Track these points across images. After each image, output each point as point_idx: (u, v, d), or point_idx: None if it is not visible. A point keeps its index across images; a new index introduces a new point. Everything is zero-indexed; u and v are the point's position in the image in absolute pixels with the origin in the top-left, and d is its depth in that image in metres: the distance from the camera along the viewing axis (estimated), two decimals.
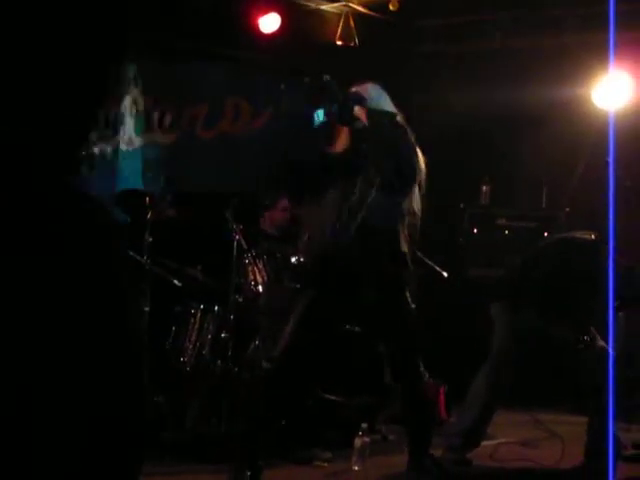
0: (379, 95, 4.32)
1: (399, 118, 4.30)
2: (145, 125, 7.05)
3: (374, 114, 4.18)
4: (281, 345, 4.50)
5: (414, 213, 4.36)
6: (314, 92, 4.27)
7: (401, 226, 4.28)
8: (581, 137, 5.25)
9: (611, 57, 5.58)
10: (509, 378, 4.97)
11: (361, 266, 4.22)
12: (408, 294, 4.30)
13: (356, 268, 4.23)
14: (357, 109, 4.17)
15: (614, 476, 4.22)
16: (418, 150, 4.28)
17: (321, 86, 4.17)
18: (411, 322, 4.32)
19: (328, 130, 4.24)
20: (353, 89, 4.33)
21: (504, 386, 4.99)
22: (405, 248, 4.27)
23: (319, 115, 4.18)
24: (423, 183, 4.35)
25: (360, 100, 4.16)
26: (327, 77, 4.18)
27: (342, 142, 4.27)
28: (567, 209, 5.10)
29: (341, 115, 4.15)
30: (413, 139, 4.27)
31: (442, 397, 6.05)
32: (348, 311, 4.37)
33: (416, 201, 4.36)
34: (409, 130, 4.28)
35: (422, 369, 4.42)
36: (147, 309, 5.29)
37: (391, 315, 4.26)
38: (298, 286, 5.56)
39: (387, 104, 4.33)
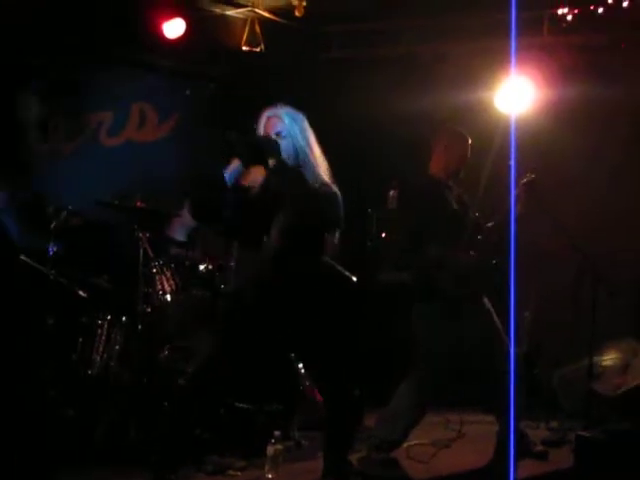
0: (292, 123, 4.22)
1: (315, 149, 4.26)
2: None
3: (285, 172, 4.14)
4: (196, 362, 4.46)
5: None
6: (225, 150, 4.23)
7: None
8: (485, 141, 5.34)
9: (513, 62, 5.69)
10: (439, 378, 5.03)
11: (281, 279, 4.19)
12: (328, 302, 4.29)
13: (277, 281, 4.20)
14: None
15: (516, 473, 4.30)
16: (335, 192, 4.22)
17: (228, 142, 4.12)
18: (328, 336, 4.29)
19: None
20: (264, 116, 4.25)
21: (434, 386, 5.03)
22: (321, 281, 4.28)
23: (232, 173, 4.17)
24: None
25: (273, 149, 4.11)
26: (232, 133, 4.13)
27: (255, 175, 4.21)
28: (475, 211, 5.20)
29: (255, 161, 4.13)
30: (334, 192, 4.22)
31: None
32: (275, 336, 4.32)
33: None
34: (324, 181, 4.22)
35: (346, 374, 4.41)
36: (52, 321, 5.18)
37: (310, 338, 4.23)
38: (207, 294, 5.53)
39: (301, 130, 4.23)
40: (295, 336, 4.24)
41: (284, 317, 4.16)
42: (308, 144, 4.20)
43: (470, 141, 5.21)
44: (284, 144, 4.14)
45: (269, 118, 4.23)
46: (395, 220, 7.20)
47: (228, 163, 4.17)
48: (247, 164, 4.12)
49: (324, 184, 4.19)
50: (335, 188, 4.23)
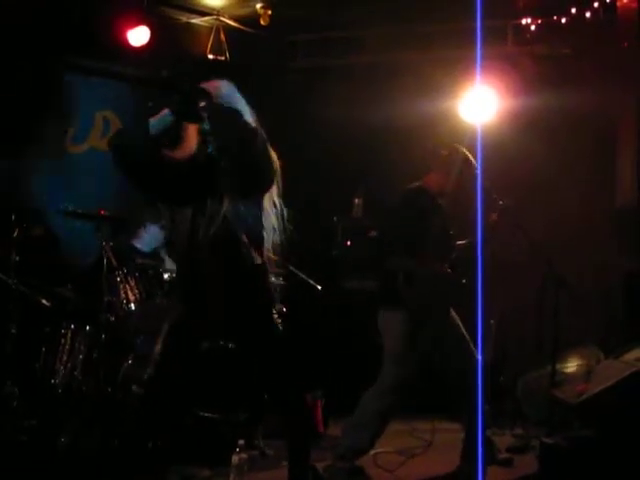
0: (231, 93, 4.04)
1: (250, 118, 3.98)
2: None
3: (221, 111, 3.85)
4: (150, 367, 4.36)
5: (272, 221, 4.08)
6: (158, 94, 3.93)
7: (252, 235, 3.99)
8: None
9: (477, 71, 5.73)
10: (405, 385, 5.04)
11: (217, 281, 3.95)
12: (273, 310, 4.08)
13: (213, 284, 3.96)
14: (203, 105, 3.78)
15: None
16: (272, 152, 3.96)
17: (162, 83, 3.85)
18: (276, 337, 4.18)
19: (173, 131, 3.86)
20: (202, 86, 3.97)
21: (400, 394, 5.04)
22: (259, 260, 3.98)
23: (163, 118, 3.80)
24: (279, 185, 4.06)
25: (207, 96, 3.80)
26: (164, 72, 3.87)
27: (190, 144, 3.93)
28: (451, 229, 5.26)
29: (186, 112, 3.78)
30: (265, 138, 3.93)
31: (319, 410, 6.05)
32: (217, 327, 4.17)
33: (271, 204, 4.09)
34: (261, 130, 3.95)
35: (298, 381, 4.37)
36: (14, 331, 5.13)
37: (254, 331, 4.10)
38: (170, 302, 5.49)
39: (240, 104, 4.02)
40: (235, 324, 4.12)
41: (221, 302, 4.03)
42: (243, 108, 4.07)
43: (473, 163, 5.09)
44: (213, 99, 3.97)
45: (206, 86, 4.10)
46: (360, 228, 7.22)
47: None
48: (179, 113, 3.78)
49: (257, 128, 3.97)
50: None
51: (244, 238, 3.95)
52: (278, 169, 4.01)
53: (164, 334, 4.15)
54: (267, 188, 4.03)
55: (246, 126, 3.88)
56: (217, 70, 7.23)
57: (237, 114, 3.89)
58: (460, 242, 5.14)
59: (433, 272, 4.98)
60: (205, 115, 3.78)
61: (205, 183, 3.89)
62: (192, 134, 3.92)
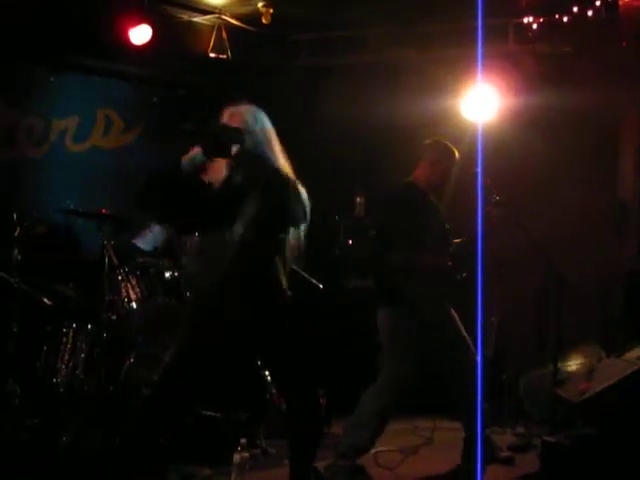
0: (254, 120, 4.12)
1: (280, 161, 4.11)
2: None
3: (252, 160, 4.01)
4: (161, 370, 4.39)
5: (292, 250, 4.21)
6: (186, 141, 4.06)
7: (279, 262, 4.13)
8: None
9: (479, 70, 5.72)
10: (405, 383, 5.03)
11: (242, 309, 4.07)
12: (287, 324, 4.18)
13: (236, 310, 4.08)
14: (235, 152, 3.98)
15: (483, 478, 4.31)
16: (300, 188, 4.10)
17: (184, 132, 3.99)
18: (290, 342, 4.24)
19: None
20: (227, 113, 4.14)
21: (400, 391, 5.04)
22: (284, 284, 4.13)
23: (190, 162, 3.95)
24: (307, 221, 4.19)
25: (237, 138, 3.96)
26: (187, 124, 4.00)
27: (219, 170, 4.06)
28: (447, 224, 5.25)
29: (217, 152, 3.94)
30: (295, 182, 4.09)
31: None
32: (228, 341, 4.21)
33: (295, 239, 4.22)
34: (292, 177, 4.10)
35: (309, 381, 4.38)
36: (16, 329, 5.13)
37: (272, 342, 4.15)
38: (173, 301, 5.49)
39: (264, 128, 4.13)
40: (256, 341, 4.19)
41: (244, 321, 4.12)
42: (268, 140, 4.15)
43: (458, 157, 5.21)
44: (246, 139, 4.07)
45: (231, 115, 4.18)
46: (362, 227, 7.22)
47: (186, 152, 4.00)
48: (209, 153, 3.93)
49: (288, 175, 4.12)
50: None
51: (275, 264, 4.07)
52: (307, 211, 4.12)
53: (179, 336, 4.20)
54: (299, 225, 4.16)
55: (277, 176, 3.99)
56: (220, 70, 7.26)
57: (267, 162, 4.00)
58: (456, 240, 5.15)
59: (434, 264, 4.99)
60: (235, 153, 3.93)
61: (232, 210, 3.98)
62: (220, 164, 4.03)
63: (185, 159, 3.96)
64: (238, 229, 3.99)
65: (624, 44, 6.96)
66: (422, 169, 5.21)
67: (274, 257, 4.11)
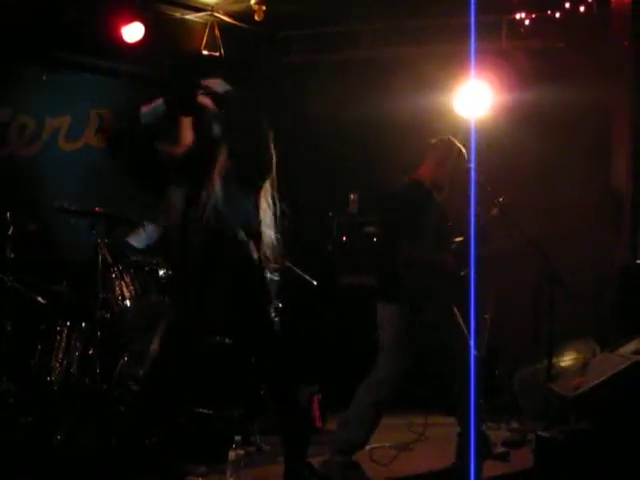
0: (224, 86, 4.01)
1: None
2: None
3: (228, 95, 3.86)
4: (146, 364, 4.35)
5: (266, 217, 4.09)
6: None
7: (248, 230, 4.00)
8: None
9: (472, 66, 5.73)
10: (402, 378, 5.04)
11: (212, 273, 3.96)
12: (269, 305, 4.11)
13: (207, 275, 3.97)
14: (202, 97, 3.83)
15: (477, 474, 4.32)
16: (272, 144, 4.00)
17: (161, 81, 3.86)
18: (272, 333, 4.18)
19: (171, 127, 3.85)
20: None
21: (396, 387, 5.04)
22: (254, 254, 4.00)
23: (156, 107, 3.78)
24: (275, 178, 4.06)
25: (206, 89, 3.83)
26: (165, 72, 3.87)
27: (186, 140, 3.92)
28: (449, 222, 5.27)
29: (180, 102, 3.78)
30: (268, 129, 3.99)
31: (316, 405, 6.06)
32: (213, 323, 4.16)
33: (268, 202, 4.11)
34: (266, 121, 4.00)
35: (294, 378, 4.37)
36: (9, 328, 5.12)
37: (251, 326, 4.08)
38: (166, 299, 5.48)
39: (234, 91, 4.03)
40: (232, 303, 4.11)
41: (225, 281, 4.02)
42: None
43: (465, 154, 5.15)
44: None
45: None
46: (356, 223, 7.23)
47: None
48: (171, 104, 3.78)
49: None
50: None
51: (240, 232, 3.95)
52: (274, 163, 4.02)
53: (161, 331, 4.15)
54: (265, 178, 4.04)
55: (255, 114, 3.90)
56: (213, 68, 7.24)
57: (249, 102, 3.91)
58: (458, 238, 5.14)
59: (437, 262, 4.99)
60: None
61: (201, 170, 3.87)
62: (187, 129, 3.91)
63: (146, 108, 3.83)
64: (216, 182, 3.89)
65: (619, 39, 6.98)
66: (427, 167, 5.15)
67: (256, 208, 4.01)
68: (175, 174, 3.94)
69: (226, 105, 3.85)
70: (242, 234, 3.96)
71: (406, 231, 4.95)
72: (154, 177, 3.88)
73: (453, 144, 5.17)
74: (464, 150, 5.14)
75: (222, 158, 3.86)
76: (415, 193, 5.08)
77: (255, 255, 4.01)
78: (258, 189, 4.05)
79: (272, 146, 3.98)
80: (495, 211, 5.12)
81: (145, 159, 3.88)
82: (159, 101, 3.81)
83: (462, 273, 5.04)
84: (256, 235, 4.03)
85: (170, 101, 3.79)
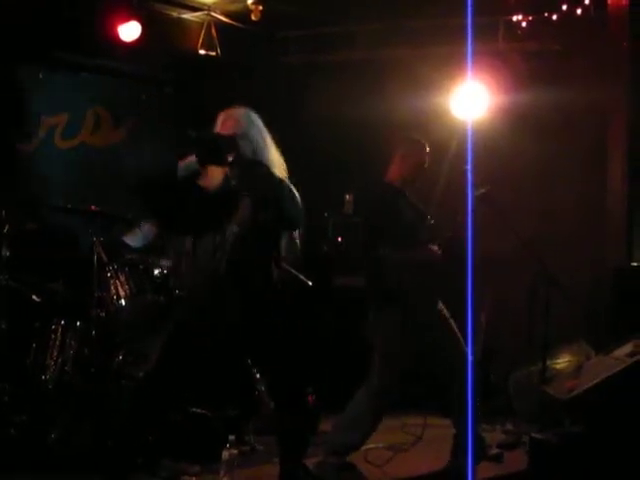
0: (249, 123, 4.20)
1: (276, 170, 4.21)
2: None
3: (248, 167, 4.12)
4: (147, 367, 4.42)
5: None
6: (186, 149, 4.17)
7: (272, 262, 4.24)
8: (442, 146, 5.38)
9: (469, 68, 5.73)
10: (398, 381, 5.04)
11: (231, 295, 4.15)
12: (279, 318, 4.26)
13: (224, 297, 4.16)
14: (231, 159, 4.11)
15: (474, 476, 4.32)
16: (294, 191, 4.18)
17: (190, 139, 4.11)
18: (281, 340, 4.26)
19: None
20: (221, 117, 4.22)
21: (393, 391, 5.04)
22: (275, 275, 4.22)
23: (185, 168, 4.15)
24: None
25: (231, 147, 4.08)
26: (192, 132, 4.13)
27: (213, 179, 4.16)
28: (430, 218, 5.23)
29: (211, 160, 4.09)
30: (291, 187, 4.18)
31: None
32: (218, 339, 4.24)
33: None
34: (287, 181, 4.19)
35: (299, 379, 4.41)
36: (4, 326, 5.11)
37: (262, 340, 4.20)
38: (162, 298, 5.49)
39: (258, 131, 4.21)
40: (246, 339, 4.21)
41: (235, 319, 4.13)
42: (265, 144, 4.19)
43: (428, 149, 5.24)
44: (241, 145, 4.12)
45: (225, 119, 4.21)
46: (352, 224, 7.22)
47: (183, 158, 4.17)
48: (203, 161, 4.08)
49: (283, 180, 4.18)
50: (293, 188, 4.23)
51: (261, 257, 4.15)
52: (302, 215, 4.22)
53: (168, 335, 4.21)
54: (295, 227, 4.30)
55: (272, 181, 4.08)
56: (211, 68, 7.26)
57: (261, 167, 4.10)
58: (447, 234, 5.15)
59: (424, 257, 5.00)
60: (230, 161, 4.07)
61: (226, 212, 4.11)
62: (215, 172, 4.14)
63: (182, 164, 4.14)
64: (233, 228, 4.06)
65: (615, 42, 7.00)
66: (394, 164, 5.25)
67: (269, 257, 4.13)
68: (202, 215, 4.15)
69: (238, 176, 4.13)
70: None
71: (385, 233, 4.98)
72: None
73: (414, 139, 5.29)
74: (425, 144, 5.25)
75: (243, 210, 4.11)
76: (386, 195, 5.13)
77: (275, 275, 4.22)
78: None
79: (297, 202, 4.16)
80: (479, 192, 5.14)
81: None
82: (192, 158, 4.11)
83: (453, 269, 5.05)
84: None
85: (202, 160, 4.09)
